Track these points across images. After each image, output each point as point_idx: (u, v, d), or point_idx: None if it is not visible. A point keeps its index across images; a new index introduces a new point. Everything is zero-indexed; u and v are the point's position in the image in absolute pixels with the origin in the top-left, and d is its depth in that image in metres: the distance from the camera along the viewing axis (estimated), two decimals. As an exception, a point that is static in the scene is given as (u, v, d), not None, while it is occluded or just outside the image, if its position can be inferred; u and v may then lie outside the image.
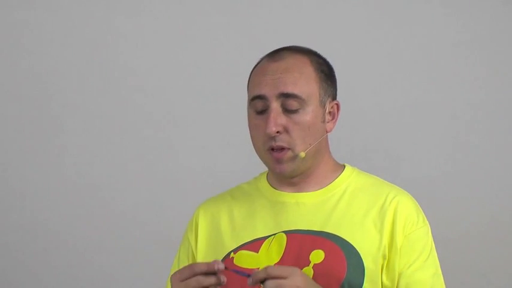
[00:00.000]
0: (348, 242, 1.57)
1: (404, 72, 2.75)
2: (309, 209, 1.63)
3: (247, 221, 1.67)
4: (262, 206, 1.67)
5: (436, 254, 1.63)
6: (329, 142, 1.70)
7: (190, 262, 1.70)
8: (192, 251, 1.71)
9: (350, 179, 1.67)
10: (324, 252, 1.56)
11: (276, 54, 1.65)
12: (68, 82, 2.80)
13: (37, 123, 2.80)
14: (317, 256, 1.56)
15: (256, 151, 1.65)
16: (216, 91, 2.80)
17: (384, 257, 1.57)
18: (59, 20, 2.80)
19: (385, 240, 1.58)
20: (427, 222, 1.65)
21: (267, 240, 1.61)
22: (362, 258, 1.56)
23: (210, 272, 1.46)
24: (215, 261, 1.46)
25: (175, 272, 1.50)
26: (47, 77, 2.80)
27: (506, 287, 2.72)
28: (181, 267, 1.56)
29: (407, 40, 2.76)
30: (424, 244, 1.60)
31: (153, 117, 2.81)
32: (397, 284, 1.57)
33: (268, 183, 1.70)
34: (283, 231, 1.61)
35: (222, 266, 1.46)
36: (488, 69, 2.76)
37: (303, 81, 1.60)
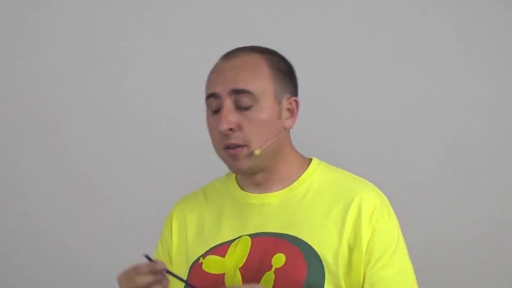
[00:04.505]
0: (308, 244, 1.55)
1: (404, 72, 2.75)
2: (273, 210, 1.62)
3: (215, 224, 1.66)
4: (230, 207, 1.67)
5: (404, 250, 1.60)
6: (293, 140, 1.68)
7: (168, 259, 1.71)
8: (168, 250, 1.72)
9: (314, 175, 1.65)
10: (285, 255, 1.55)
11: (230, 54, 1.67)
12: (68, 82, 2.80)
13: (37, 123, 2.79)
14: (279, 260, 1.55)
15: (215, 151, 1.64)
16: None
17: (344, 258, 1.54)
18: (59, 20, 2.80)
19: (346, 240, 1.55)
20: (394, 217, 1.62)
21: (232, 244, 1.61)
22: (322, 260, 1.54)
23: (153, 272, 1.48)
24: (156, 261, 1.49)
25: (120, 273, 1.53)
26: (47, 77, 2.80)
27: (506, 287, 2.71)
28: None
29: (407, 40, 2.76)
30: (390, 239, 1.58)
31: (154, 117, 2.80)
32: (363, 284, 1.54)
33: (237, 183, 1.69)
34: (248, 234, 1.61)
35: (163, 266, 1.47)
36: (488, 69, 2.75)
37: (255, 78, 1.60)
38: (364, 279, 1.54)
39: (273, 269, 1.54)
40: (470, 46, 2.75)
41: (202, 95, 2.83)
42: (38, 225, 2.79)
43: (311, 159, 1.69)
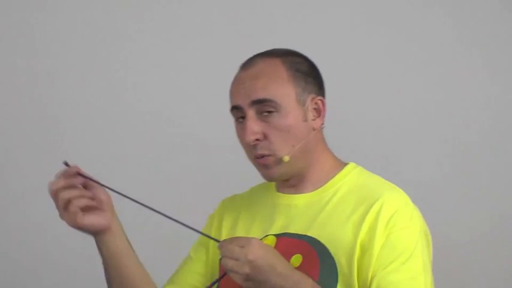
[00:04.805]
0: (324, 246, 1.54)
1: (404, 72, 2.75)
2: (299, 211, 1.61)
3: (248, 223, 1.67)
4: (264, 208, 1.67)
5: (420, 258, 1.54)
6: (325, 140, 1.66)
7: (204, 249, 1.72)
8: (206, 241, 1.72)
9: (345, 179, 1.63)
10: (302, 256, 1.55)
11: (247, 62, 1.65)
12: (68, 82, 2.80)
13: (37, 123, 2.79)
14: (296, 260, 1.55)
15: (248, 159, 1.65)
16: (217, 91, 2.80)
17: (358, 261, 1.52)
18: (59, 20, 2.80)
19: (360, 241, 1.53)
20: (417, 224, 1.57)
21: None
22: (336, 262, 1.53)
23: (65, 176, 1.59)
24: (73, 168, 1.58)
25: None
26: (47, 77, 2.80)
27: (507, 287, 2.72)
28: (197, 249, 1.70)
29: (406, 40, 2.76)
30: (406, 245, 1.53)
31: (154, 117, 2.80)
32: (369, 286, 1.51)
33: (275, 184, 1.70)
34: (274, 234, 1.61)
35: (75, 170, 1.60)
36: (488, 69, 2.75)
37: (273, 84, 1.58)
38: (371, 282, 1.51)
39: None
40: (470, 46, 2.76)
41: (203, 95, 2.84)
42: (38, 225, 2.79)
43: (346, 164, 1.67)
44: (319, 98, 1.63)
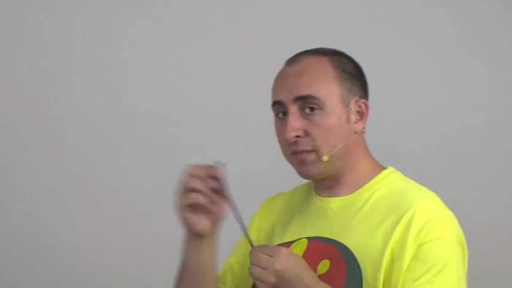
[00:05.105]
0: (352, 253, 1.51)
1: (404, 72, 2.75)
2: (333, 215, 1.59)
3: (286, 224, 1.65)
4: (302, 209, 1.65)
5: (454, 270, 1.48)
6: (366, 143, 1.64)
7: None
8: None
9: (381, 184, 1.59)
10: (330, 262, 1.53)
11: (293, 59, 1.62)
12: (68, 82, 2.80)
13: (38, 124, 2.80)
14: (323, 266, 1.53)
15: (284, 156, 1.61)
16: (217, 91, 2.80)
17: (385, 269, 1.48)
18: (60, 20, 2.80)
19: (390, 251, 1.48)
20: (452, 233, 1.53)
21: (292, 245, 1.59)
22: (362, 271, 1.49)
23: (211, 176, 1.49)
24: (215, 167, 1.49)
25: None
26: (47, 77, 2.80)
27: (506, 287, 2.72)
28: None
29: (407, 40, 2.76)
30: (438, 257, 1.47)
31: (154, 117, 2.81)
32: None
33: (314, 186, 1.67)
34: (306, 237, 1.59)
35: (222, 174, 1.48)
36: (489, 69, 2.76)
37: (319, 82, 1.55)
38: None
39: (317, 274, 1.51)
40: (470, 46, 2.76)
41: (204, 95, 2.84)
42: (39, 225, 2.80)
43: (384, 168, 1.63)
44: (363, 100, 1.62)
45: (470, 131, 2.76)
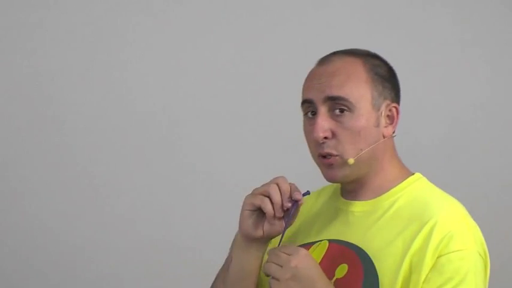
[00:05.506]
0: (371, 260, 1.50)
1: (404, 72, 2.75)
2: (355, 219, 1.57)
3: (310, 224, 1.64)
4: (326, 211, 1.64)
5: (474, 284, 1.45)
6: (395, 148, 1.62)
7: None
8: None
9: (405, 190, 1.57)
10: (348, 267, 1.51)
11: (325, 58, 1.60)
12: (68, 82, 2.80)
13: (37, 123, 2.79)
14: (341, 270, 1.52)
15: (311, 155, 1.59)
16: (217, 91, 2.80)
17: (402, 281, 1.46)
18: (59, 20, 2.80)
19: (409, 261, 1.46)
20: (473, 245, 1.48)
21: (313, 246, 1.59)
22: (379, 278, 1.48)
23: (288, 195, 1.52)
24: (299, 192, 1.51)
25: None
26: (47, 77, 2.80)
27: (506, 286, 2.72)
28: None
29: (407, 40, 2.76)
30: (456, 269, 1.44)
31: (154, 117, 2.81)
32: None
33: (340, 189, 1.66)
34: (328, 239, 1.58)
35: (300, 197, 1.51)
36: (489, 69, 2.76)
37: (350, 83, 1.53)
38: None
39: (334, 278, 1.51)
40: (471, 46, 2.76)
41: (204, 95, 2.84)
42: (39, 225, 2.80)
43: (411, 174, 1.61)
44: (394, 105, 1.59)
45: (470, 130, 2.76)
